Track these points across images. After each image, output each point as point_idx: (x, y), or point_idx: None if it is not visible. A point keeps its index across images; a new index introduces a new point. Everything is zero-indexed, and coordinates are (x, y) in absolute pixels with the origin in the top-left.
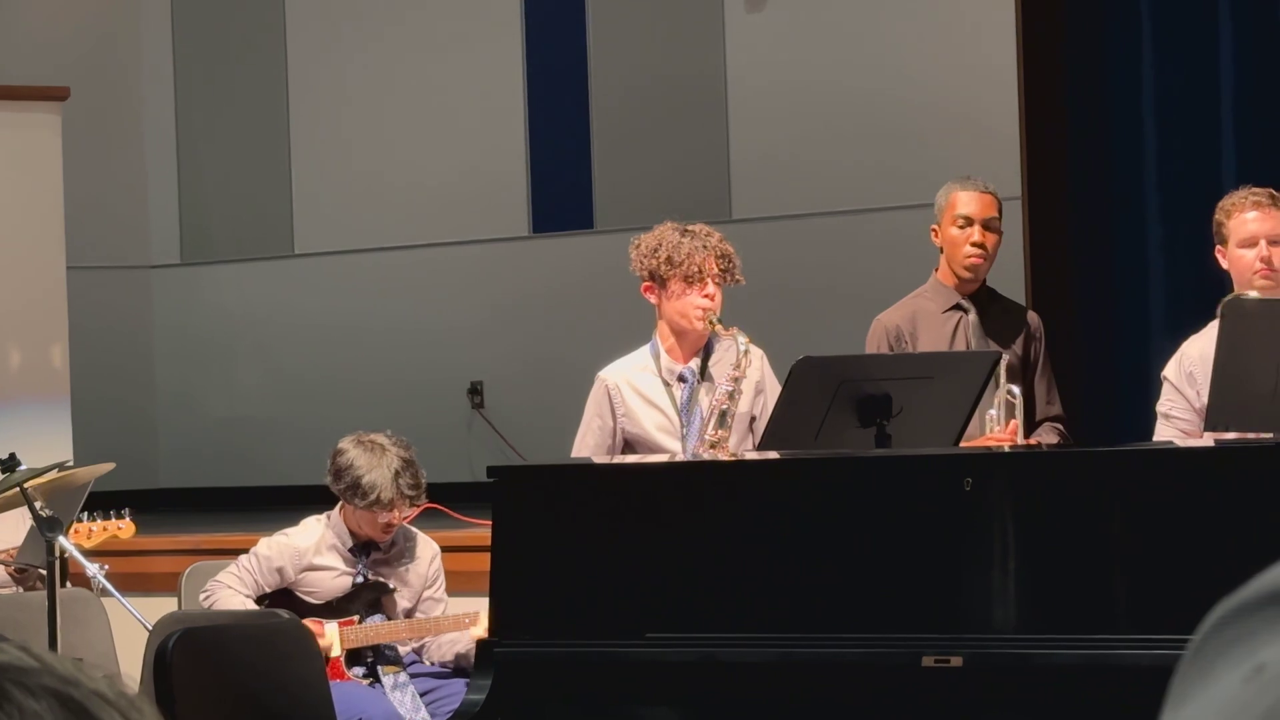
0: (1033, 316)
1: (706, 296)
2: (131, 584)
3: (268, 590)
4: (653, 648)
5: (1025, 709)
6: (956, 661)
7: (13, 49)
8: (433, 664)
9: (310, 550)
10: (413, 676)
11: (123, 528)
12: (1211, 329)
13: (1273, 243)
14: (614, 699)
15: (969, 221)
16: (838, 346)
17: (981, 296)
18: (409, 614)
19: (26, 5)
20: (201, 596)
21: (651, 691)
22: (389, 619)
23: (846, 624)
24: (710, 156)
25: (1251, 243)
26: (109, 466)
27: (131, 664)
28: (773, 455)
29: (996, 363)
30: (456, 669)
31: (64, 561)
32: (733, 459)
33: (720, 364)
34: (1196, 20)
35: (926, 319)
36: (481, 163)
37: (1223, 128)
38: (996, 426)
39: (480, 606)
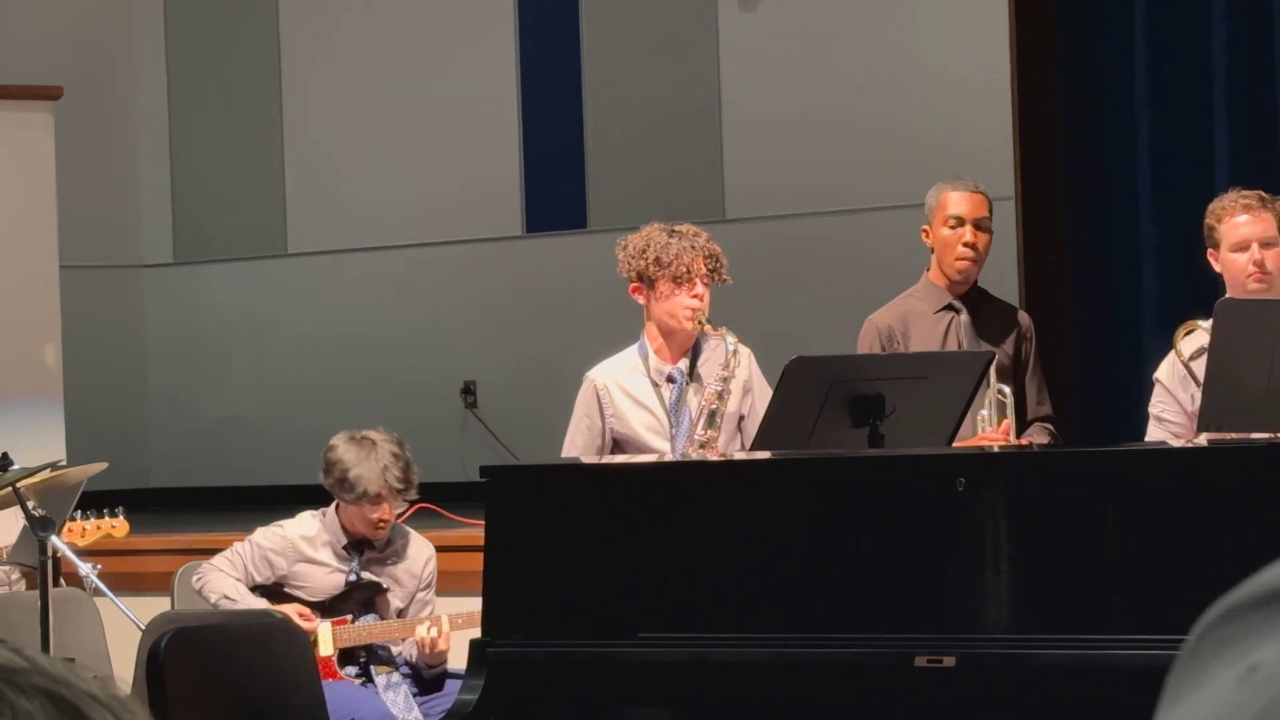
0: (1024, 317)
1: (695, 296)
2: (124, 583)
3: (259, 580)
4: (645, 648)
5: (1018, 709)
6: (949, 662)
7: (5, 48)
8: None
9: (305, 543)
10: (405, 677)
11: (117, 526)
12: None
13: (1265, 245)
14: (607, 699)
15: (960, 221)
16: (830, 346)
17: (973, 297)
18: (402, 614)
19: (19, 5)
20: (194, 578)
21: (644, 691)
22: (382, 619)
23: (839, 624)
24: (703, 157)
25: (1244, 247)
26: (101, 466)
27: (124, 663)
28: (764, 455)
29: (989, 363)
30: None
31: (56, 561)
32: (723, 459)
33: (708, 364)
34: (1190, 21)
35: (918, 319)
36: (475, 163)
37: (1216, 129)
38: (988, 426)
39: (474, 607)
